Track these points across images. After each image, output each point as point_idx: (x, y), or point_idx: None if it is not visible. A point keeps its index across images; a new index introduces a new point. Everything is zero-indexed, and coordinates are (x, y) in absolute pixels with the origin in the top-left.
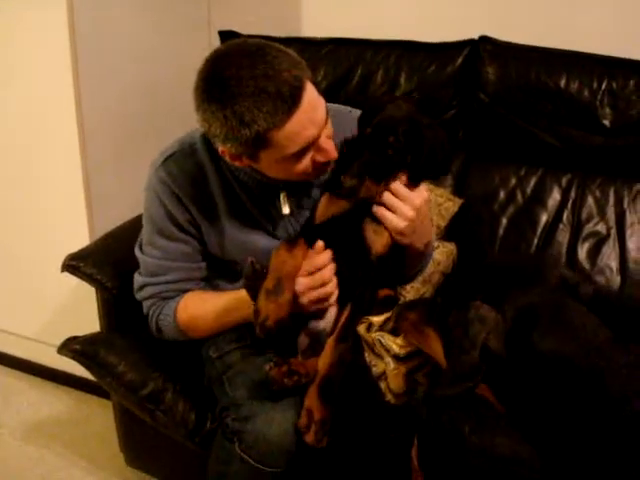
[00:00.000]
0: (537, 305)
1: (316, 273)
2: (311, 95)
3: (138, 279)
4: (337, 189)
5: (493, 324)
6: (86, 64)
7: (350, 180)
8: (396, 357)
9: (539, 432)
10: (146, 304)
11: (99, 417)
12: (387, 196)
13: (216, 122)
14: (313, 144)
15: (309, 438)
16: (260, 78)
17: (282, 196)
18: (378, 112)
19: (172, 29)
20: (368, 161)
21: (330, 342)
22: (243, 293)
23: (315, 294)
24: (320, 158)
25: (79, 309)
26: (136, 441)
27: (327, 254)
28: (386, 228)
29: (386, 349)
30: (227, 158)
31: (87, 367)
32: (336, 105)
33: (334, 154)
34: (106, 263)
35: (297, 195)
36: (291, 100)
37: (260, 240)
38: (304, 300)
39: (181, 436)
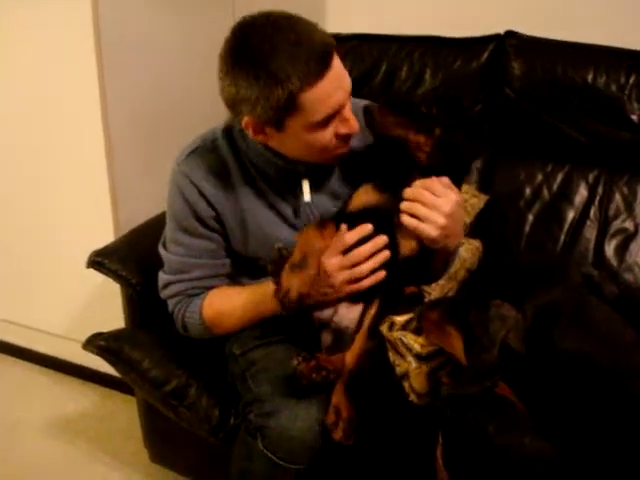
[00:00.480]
0: (558, 303)
1: (349, 253)
2: (338, 62)
3: (162, 277)
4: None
5: (513, 322)
6: (111, 59)
7: (372, 105)
8: (418, 356)
9: (560, 431)
10: (171, 302)
11: (124, 413)
12: (416, 207)
13: (247, 83)
14: (339, 112)
15: (337, 435)
16: (292, 41)
17: (304, 183)
18: None
19: (196, 26)
20: (397, 103)
21: (358, 338)
22: (269, 286)
23: (347, 274)
24: (343, 129)
25: (104, 305)
26: (160, 437)
27: (356, 233)
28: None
29: (408, 348)
30: (250, 132)
31: (112, 363)
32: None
33: (356, 126)
34: (131, 259)
35: (318, 183)
36: (323, 61)
37: (283, 233)
38: (336, 280)
39: (205, 432)
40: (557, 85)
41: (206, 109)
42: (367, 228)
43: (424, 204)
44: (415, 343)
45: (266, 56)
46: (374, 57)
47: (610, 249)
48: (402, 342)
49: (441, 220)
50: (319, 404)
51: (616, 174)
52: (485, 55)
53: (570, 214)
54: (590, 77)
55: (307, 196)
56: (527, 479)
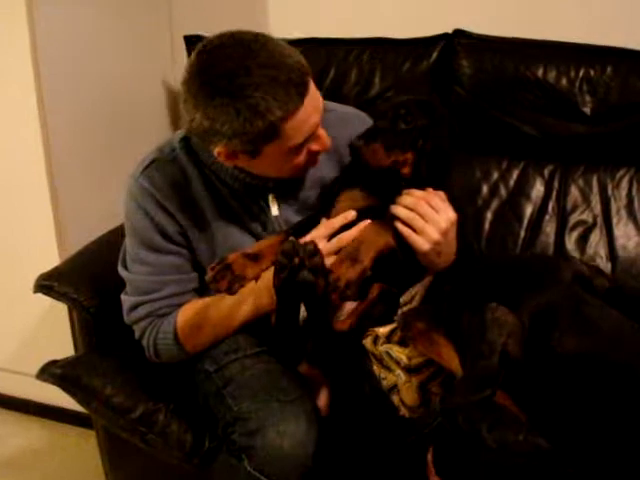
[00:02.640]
0: (554, 304)
1: (334, 238)
2: (312, 83)
3: (128, 300)
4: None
5: (512, 328)
6: (49, 75)
7: (357, 141)
8: (407, 369)
9: (564, 435)
10: (140, 326)
11: (77, 447)
12: (413, 217)
13: (224, 117)
14: (314, 133)
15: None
16: (268, 67)
17: (270, 197)
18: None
19: (133, 37)
20: (377, 127)
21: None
22: (254, 283)
23: (331, 260)
24: (316, 147)
25: (48, 335)
26: (125, 471)
27: (341, 217)
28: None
29: (396, 361)
30: (222, 159)
31: (70, 392)
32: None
33: (328, 142)
34: (83, 281)
35: (285, 196)
36: (302, 86)
37: (251, 244)
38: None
39: (177, 459)
40: (508, 82)
41: (152, 119)
42: (351, 214)
43: (422, 215)
44: (403, 355)
45: (244, 87)
46: (322, 61)
47: (570, 242)
48: (389, 355)
49: (435, 235)
50: (308, 417)
51: (571, 167)
52: (434, 55)
53: (528, 209)
54: (540, 72)
55: (275, 210)
56: (523, 477)
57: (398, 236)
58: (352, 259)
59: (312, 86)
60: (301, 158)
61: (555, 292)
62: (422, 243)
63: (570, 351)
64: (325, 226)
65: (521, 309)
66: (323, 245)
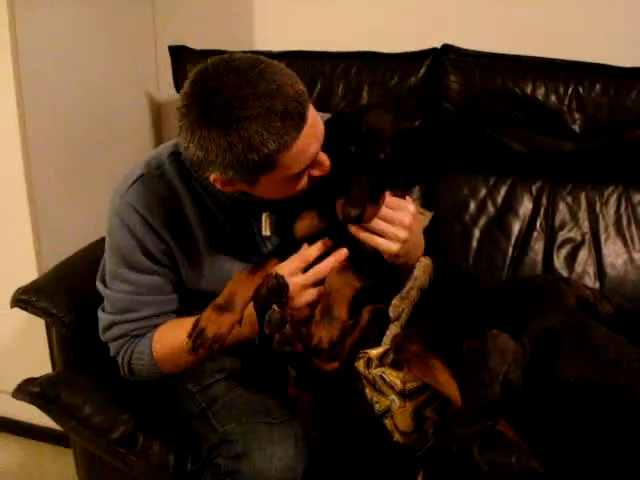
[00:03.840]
0: (558, 330)
1: (310, 270)
2: (312, 109)
3: (105, 317)
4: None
5: (513, 355)
6: (31, 87)
7: (354, 210)
8: (401, 394)
9: (563, 461)
10: (115, 345)
11: (54, 467)
12: (375, 222)
13: (217, 149)
14: (314, 161)
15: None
16: (265, 97)
17: (264, 217)
18: (357, 125)
19: (117, 45)
20: (365, 185)
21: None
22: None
23: (310, 294)
24: (316, 172)
25: (24, 351)
26: None
27: (317, 248)
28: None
29: (390, 386)
30: (218, 185)
31: (48, 411)
32: None
33: (329, 166)
34: (62, 296)
35: (280, 214)
36: (298, 117)
37: (237, 268)
38: (299, 302)
39: None
40: (496, 97)
41: (135, 130)
42: (328, 243)
43: (381, 218)
44: (397, 380)
45: (238, 120)
46: (309, 75)
47: (559, 260)
48: (383, 380)
49: (402, 234)
50: (297, 440)
51: (559, 184)
52: (422, 70)
53: (516, 227)
54: (529, 88)
55: (266, 230)
56: None
57: (363, 251)
58: (328, 318)
59: (312, 114)
60: (301, 185)
61: (558, 317)
62: (390, 245)
63: (574, 379)
64: (299, 258)
65: (523, 335)
66: (300, 278)
